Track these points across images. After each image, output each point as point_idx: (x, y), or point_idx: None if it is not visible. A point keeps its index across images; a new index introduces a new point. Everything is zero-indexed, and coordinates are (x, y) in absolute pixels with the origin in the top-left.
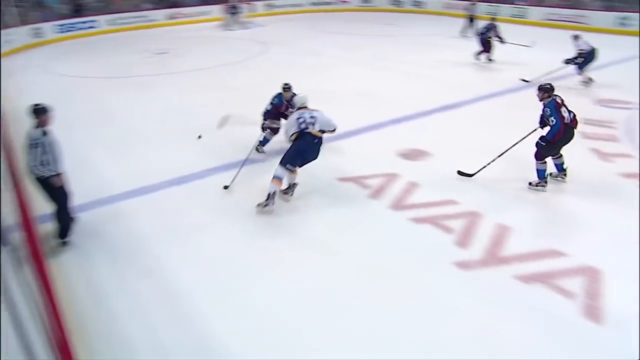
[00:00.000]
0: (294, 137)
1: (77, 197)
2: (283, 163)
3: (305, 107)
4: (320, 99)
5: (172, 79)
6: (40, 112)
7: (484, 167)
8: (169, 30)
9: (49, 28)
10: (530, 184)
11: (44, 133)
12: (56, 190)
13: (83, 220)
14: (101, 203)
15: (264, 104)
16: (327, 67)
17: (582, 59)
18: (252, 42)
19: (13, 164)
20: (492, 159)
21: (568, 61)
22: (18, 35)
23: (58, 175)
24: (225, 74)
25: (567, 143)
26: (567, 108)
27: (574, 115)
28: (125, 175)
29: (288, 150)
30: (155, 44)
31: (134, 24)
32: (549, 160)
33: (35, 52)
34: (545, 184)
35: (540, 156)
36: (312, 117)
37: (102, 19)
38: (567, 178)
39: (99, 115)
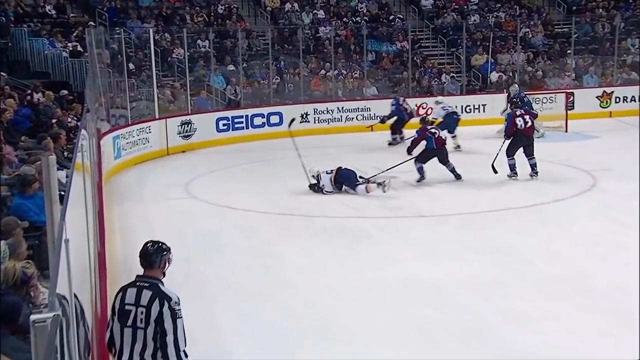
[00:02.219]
0: None
1: None
2: None
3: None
4: None
5: (398, 225)
6: (159, 254)
7: None
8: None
9: (201, 123)
10: (508, 175)
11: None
12: None
13: None
14: None
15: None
16: None
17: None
18: (559, 166)
19: None
20: None
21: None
22: (157, 133)
23: None
24: (505, 226)
25: (522, 145)
26: (524, 119)
27: (530, 125)
28: None
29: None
30: (372, 159)
31: (331, 123)
32: (526, 161)
33: (177, 161)
34: (515, 175)
35: (507, 153)
36: None
37: (285, 109)
38: None
39: (257, 281)
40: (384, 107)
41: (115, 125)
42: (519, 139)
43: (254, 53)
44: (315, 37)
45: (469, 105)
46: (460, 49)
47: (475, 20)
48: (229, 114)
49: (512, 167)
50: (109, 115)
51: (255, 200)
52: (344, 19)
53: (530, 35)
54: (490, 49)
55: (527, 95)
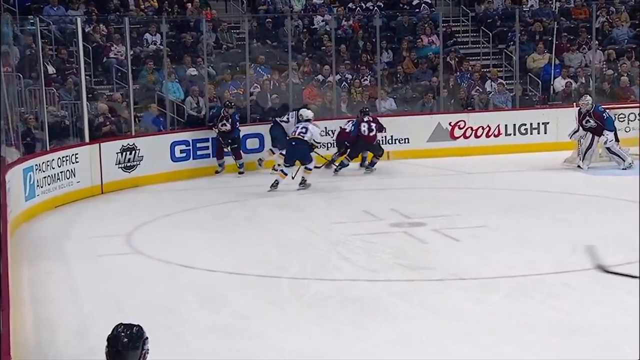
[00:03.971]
0: None
1: None
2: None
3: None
4: None
5: (426, 292)
6: (140, 342)
7: None
8: (439, 167)
9: (150, 150)
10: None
11: None
12: None
13: None
14: None
15: None
16: None
17: None
18: None
19: None
20: None
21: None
22: (87, 163)
23: None
24: (578, 294)
25: (365, 149)
26: (369, 127)
27: (374, 134)
28: None
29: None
30: (393, 200)
31: (332, 149)
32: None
33: (116, 202)
34: (337, 171)
35: (349, 154)
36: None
37: (267, 129)
38: None
39: None
40: (404, 126)
41: (27, 153)
42: (360, 144)
43: (225, 52)
44: (310, 30)
45: (524, 124)
46: (512, 46)
47: (532, 6)
48: (189, 136)
49: (344, 165)
50: (18, 139)
51: (225, 257)
52: (350, 5)
53: (611, 27)
54: (555, 46)
55: (607, 110)
